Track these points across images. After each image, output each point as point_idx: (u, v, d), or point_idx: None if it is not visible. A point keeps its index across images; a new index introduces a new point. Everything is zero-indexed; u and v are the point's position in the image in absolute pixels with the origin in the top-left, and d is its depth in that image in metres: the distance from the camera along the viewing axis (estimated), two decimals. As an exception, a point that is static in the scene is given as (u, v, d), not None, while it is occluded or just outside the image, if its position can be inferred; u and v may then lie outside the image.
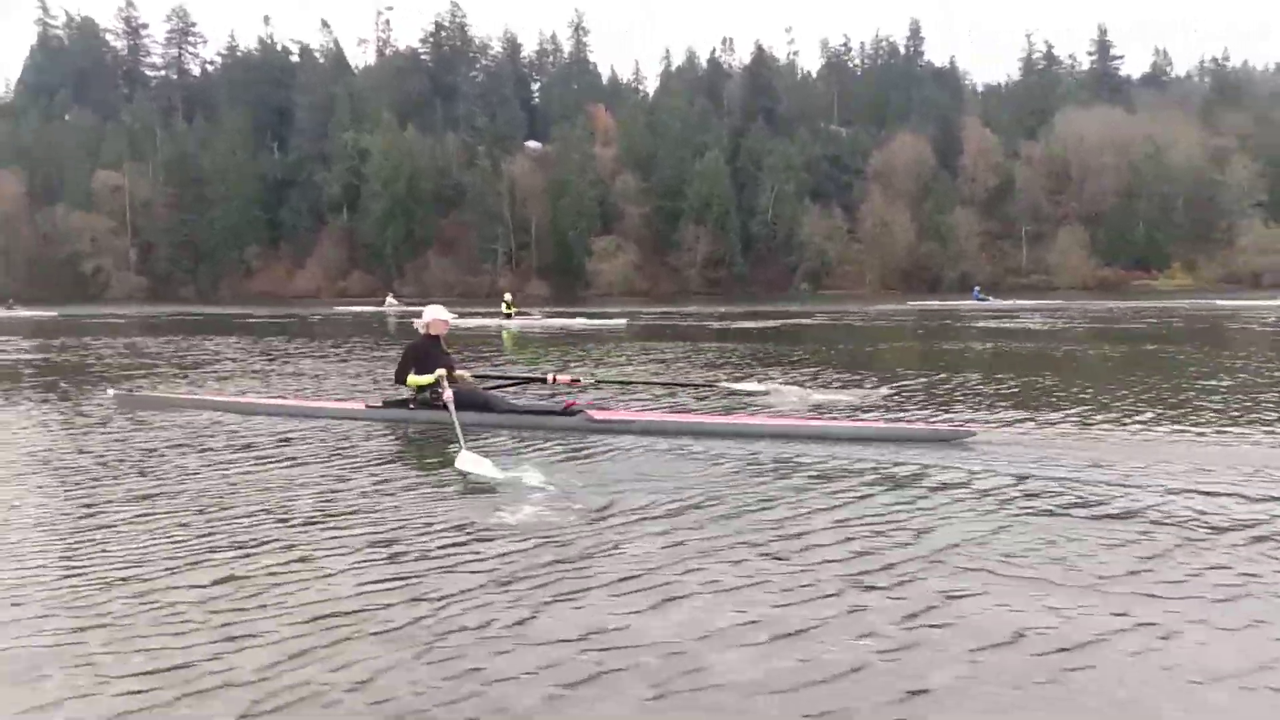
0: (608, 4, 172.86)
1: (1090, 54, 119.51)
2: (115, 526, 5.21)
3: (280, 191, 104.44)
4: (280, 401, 10.11)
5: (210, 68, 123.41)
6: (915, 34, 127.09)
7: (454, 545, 4.76)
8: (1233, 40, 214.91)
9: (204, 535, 5.00)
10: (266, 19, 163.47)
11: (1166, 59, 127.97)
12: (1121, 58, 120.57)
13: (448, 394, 8.01)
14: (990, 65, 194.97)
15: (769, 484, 6.01)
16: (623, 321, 30.60)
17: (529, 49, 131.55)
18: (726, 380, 11.35)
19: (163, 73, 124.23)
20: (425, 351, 8.54)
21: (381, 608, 3.86)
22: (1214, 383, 11.34)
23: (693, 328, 28.69)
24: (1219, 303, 42.68)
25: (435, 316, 8.78)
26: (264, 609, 3.87)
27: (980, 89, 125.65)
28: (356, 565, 4.45)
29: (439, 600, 3.94)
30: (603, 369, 14.53)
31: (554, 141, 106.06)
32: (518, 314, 31.59)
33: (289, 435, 8.25)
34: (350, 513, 5.46)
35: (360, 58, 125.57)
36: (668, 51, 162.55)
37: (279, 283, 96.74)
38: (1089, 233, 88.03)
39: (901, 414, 8.94)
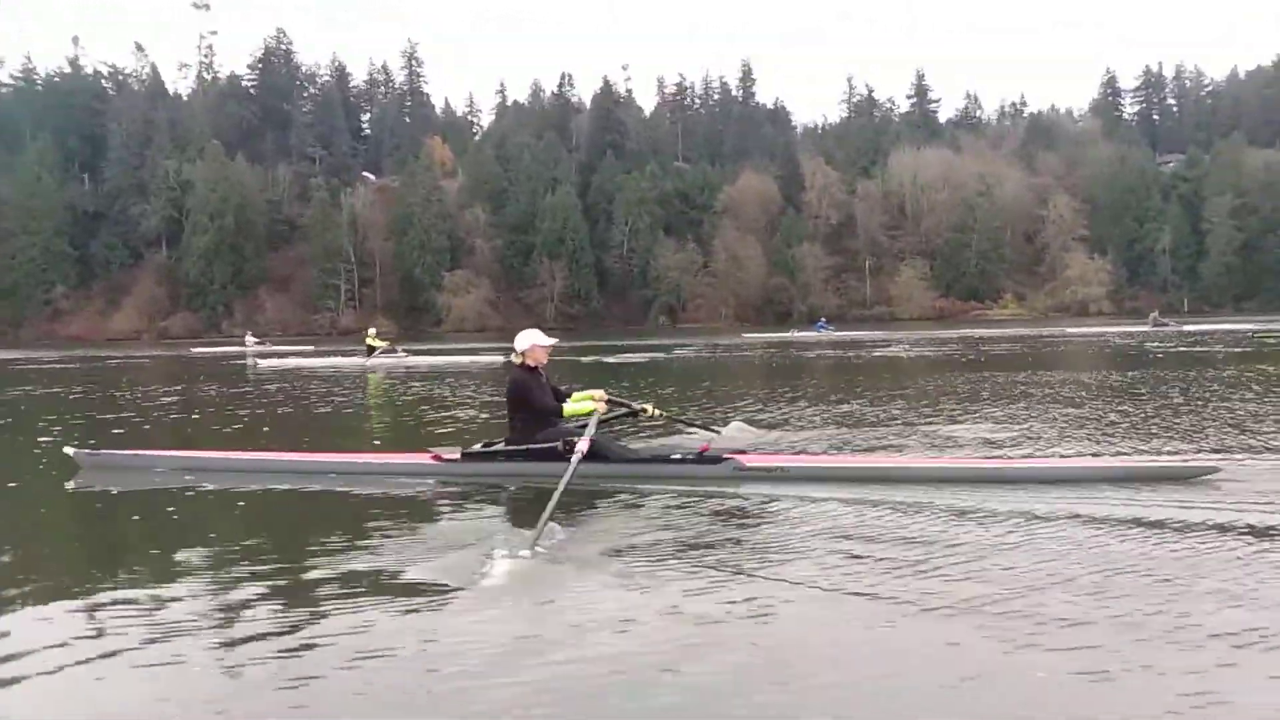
0: (437, 35, 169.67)
1: (910, 97, 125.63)
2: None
3: (91, 225, 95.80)
4: (314, 458, 7.59)
5: (3, 90, 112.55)
6: (747, 74, 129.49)
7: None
8: (1028, 83, 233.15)
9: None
10: (76, 39, 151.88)
11: (977, 103, 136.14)
12: (939, 100, 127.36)
13: (584, 442, 6.05)
14: (813, 107, 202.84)
15: (988, 536, 4.75)
16: (499, 358, 26.70)
17: (358, 79, 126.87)
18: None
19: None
20: (539, 385, 6.81)
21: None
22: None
23: (563, 363, 25.95)
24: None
25: (534, 343, 6.90)
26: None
27: (806, 129, 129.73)
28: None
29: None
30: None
31: (395, 174, 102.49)
32: (383, 352, 27.32)
33: (346, 500, 6.18)
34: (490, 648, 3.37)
35: (180, 84, 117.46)
36: (503, 85, 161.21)
37: (92, 325, 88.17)
38: (928, 265, 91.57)
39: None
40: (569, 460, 5.83)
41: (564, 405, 6.68)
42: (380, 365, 25.39)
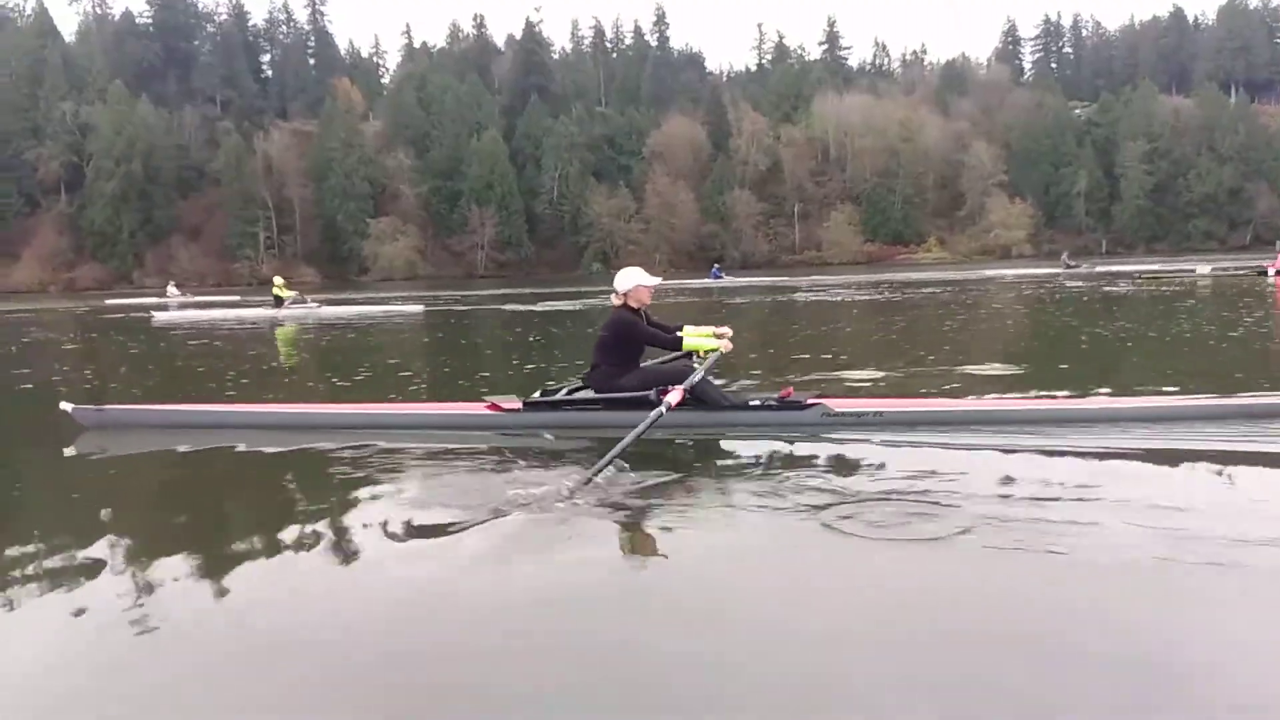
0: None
1: (821, 44, 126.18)
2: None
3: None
4: (354, 409, 6.80)
5: None
6: (661, 19, 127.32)
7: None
8: (926, 33, 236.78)
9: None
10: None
11: (885, 51, 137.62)
12: (850, 48, 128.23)
13: (676, 394, 5.53)
14: (720, 53, 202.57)
15: (1102, 480, 4.45)
16: (419, 308, 25.89)
17: (257, 18, 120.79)
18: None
19: None
20: (645, 327, 6.26)
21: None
22: None
23: (504, 312, 25.16)
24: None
25: (639, 283, 6.29)
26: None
27: (726, 75, 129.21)
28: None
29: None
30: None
31: (305, 118, 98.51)
32: (293, 302, 25.54)
33: (393, 458, 5.53)
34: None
35: (69, 22, 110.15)
36: (408, 26, 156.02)
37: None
38: (856, 211, 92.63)
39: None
40: (650, 410, 5.37)
41: (681, 337, 6.19)
42: (290, 317, 23.40)
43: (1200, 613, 2.89)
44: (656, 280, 6.38)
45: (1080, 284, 27.78)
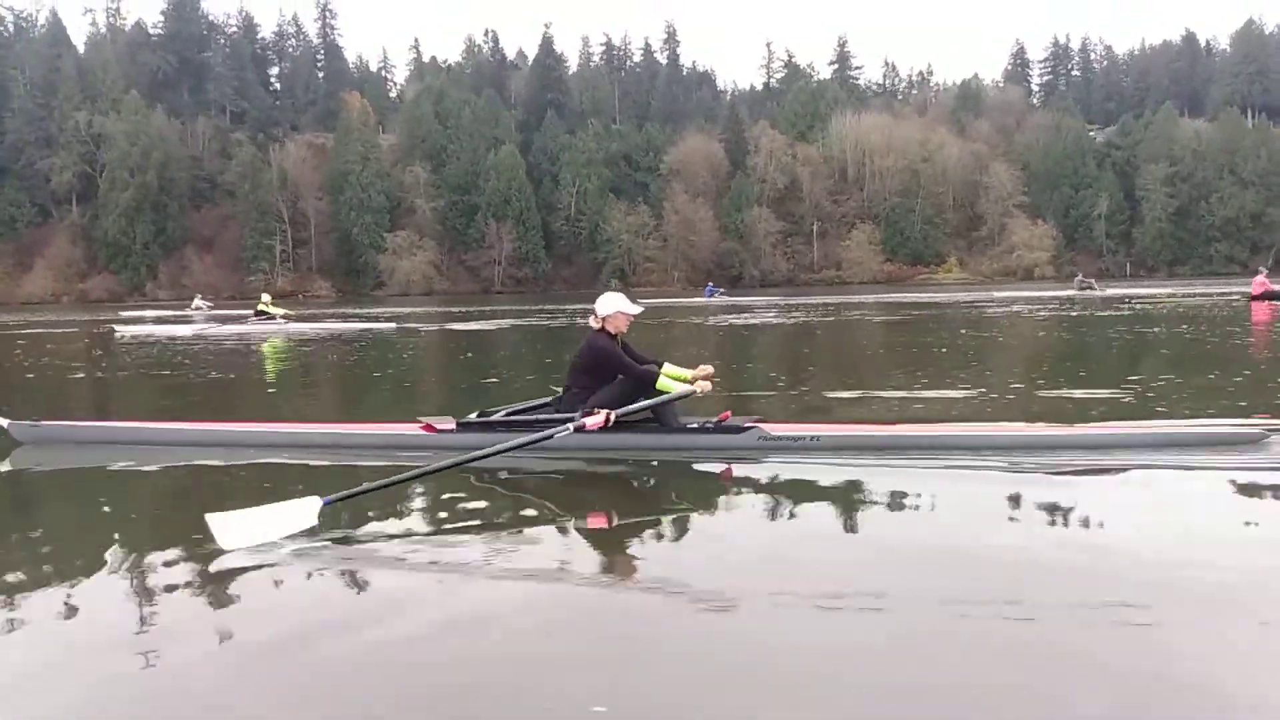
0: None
1: (831, 64, 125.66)
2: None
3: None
4: (290, 428, 6.58)
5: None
6: (671, 36, 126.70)
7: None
8: (932, 54, 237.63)
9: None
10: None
11: (894, 70, 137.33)
12: (861, 67, 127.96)
13: (598, 417, 5.44)
14: (727, 72, 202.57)
15: (1048, 505, 4.41)
16: (391, 325, 25.54)
17: (266, 30, 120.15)
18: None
19: None
20: (627, 355, 6.10)
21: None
22: None
23: (530, 327, 24.62)
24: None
25: (619, 309, 6.09)
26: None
27: (737, 92, 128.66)
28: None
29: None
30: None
31: (315, 130, 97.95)
32: (258, 314, 25.27)
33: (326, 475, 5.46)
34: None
35: (84, 30, 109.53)
36: (417, 41, 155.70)
37: (2, 288, 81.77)
38: (876, 230, 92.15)
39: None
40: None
41: (660, 372, 5.90)
42: (260, 332, 22.67)
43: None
44: (638, 309, 6.14)
45: (1087, 307, 27.48)
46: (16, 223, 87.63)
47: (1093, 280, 44.93)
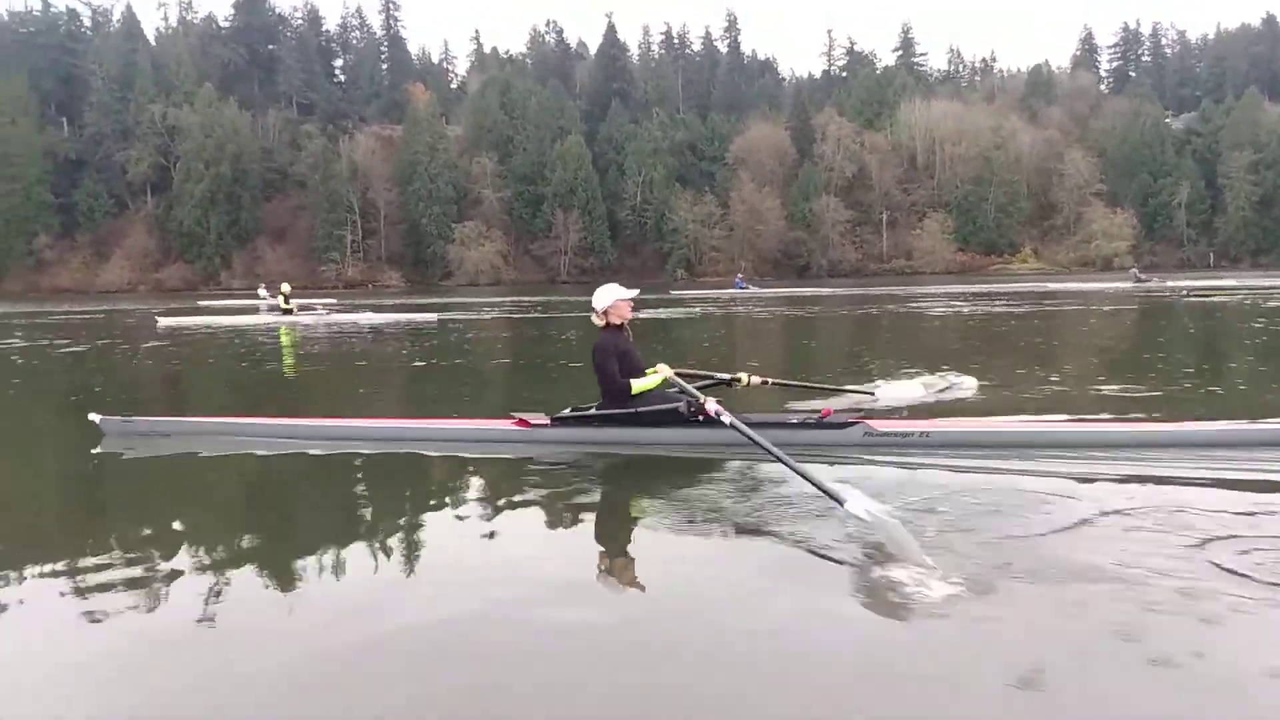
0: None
1: (895, 50, 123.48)
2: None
3: (72, 173, 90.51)
4: (378, 423, 6.71)
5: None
6: (732, 24, 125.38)
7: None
8: (995, 40, 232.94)
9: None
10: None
11: (959, 57, 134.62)
12: (926, 54, 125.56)
13: (712, 403, 5.40)
14: (786, 59, 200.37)
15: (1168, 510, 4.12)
16: (431, 316, 25.84)
17: (330, 23, 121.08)
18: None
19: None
20: (623, 350, 6.00)
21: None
22: None
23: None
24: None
25: (616, 298, 6.11)
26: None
27: (800, 80, 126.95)
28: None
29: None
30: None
31: (380, 121, 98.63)
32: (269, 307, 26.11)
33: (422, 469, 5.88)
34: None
35: (156, 24, 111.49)
36: (477, 32, 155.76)
37: (81, 276, 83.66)
38: (948, 219, 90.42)
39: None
40: (689, 425, 5.56)
41: (632, 385, 5.86)
42: (296, 323, 23.58)
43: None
44: (634, 292, 6.22)
45: (1143, 299, 27.10)
46: (95, 214, 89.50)
47: (1149, 276, 45.12)
